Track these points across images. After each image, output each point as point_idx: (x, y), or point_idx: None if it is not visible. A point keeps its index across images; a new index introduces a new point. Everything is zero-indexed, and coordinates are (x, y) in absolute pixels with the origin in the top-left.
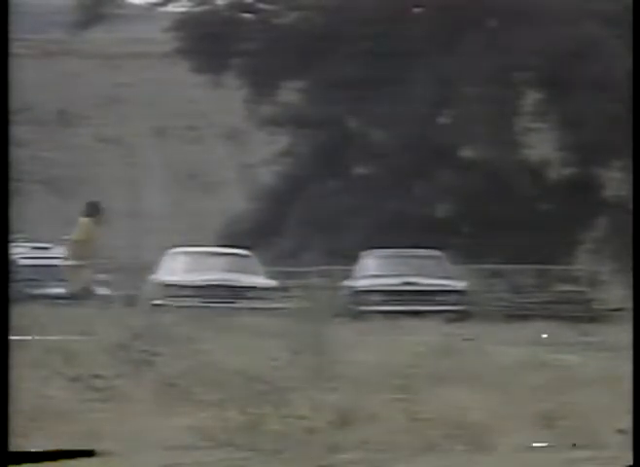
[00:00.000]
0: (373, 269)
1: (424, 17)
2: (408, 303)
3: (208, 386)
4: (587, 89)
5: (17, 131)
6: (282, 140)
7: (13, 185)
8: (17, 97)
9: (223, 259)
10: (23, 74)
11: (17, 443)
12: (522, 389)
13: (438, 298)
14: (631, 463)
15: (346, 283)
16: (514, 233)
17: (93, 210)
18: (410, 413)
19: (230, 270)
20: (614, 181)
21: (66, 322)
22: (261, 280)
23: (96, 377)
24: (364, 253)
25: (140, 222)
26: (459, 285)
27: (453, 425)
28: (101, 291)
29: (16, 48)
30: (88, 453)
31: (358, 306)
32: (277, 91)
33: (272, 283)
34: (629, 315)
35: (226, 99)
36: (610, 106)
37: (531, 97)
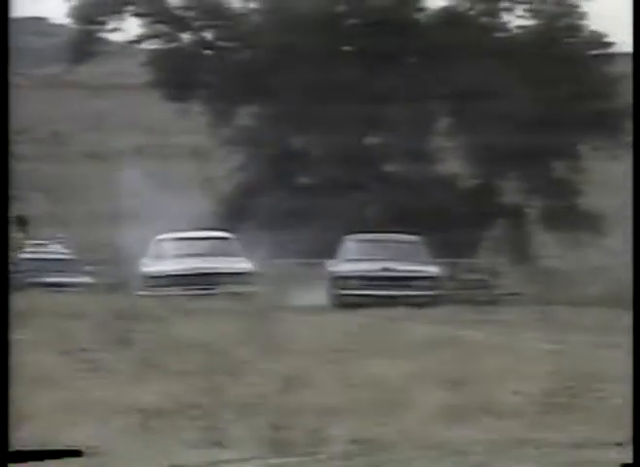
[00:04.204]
0: (353, 254)
1: (356, 55)
2: (384, 287)
3: (177, 359)
4: (489, 115)
5: (19, 149)
6: (238, 157)
7: (15, 193)
8: (19, 121)
9: (205, 243)
10: (25, 102)
11: (20, 407)
12: (436, 358)
13: (413, 283)
14: (631, 461)
15: (328, 267)
16: (430, 233)
17: (20, 222)
18: (344, 379)
19: (212, 254)
20: (510, 190)
21: (60, 306)
22: (241, 264)
23: (84, 350)
24: (346, 237)
25: (120, 222)
26: (432, 271)
27: (378, 389)
28: (89, 280)
29: (19, 80)
30: (76, 453)
31: (339, 290)
32: (234, 116)
33: (250, 266)
34: (521, 298)
35: (191, 123)
36: (508, 129)
37: (444, 121)
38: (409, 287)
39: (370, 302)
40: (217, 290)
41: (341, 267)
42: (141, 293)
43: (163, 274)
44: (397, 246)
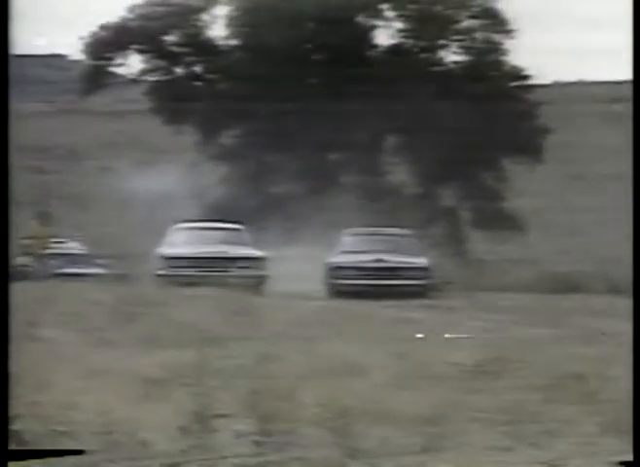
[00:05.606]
0: (349, 246)
1: (320, 85)
2: (377, 277)
3: (172, 335)
4: (430, 134)
5: (42, 164)
6: (222, 170)
7: (38, 200)
8: (41, 141)
9: (218, 232)
10: (48, 124)
11: (42, 373)
12: (385, 337)
13: (404, 273)
14: (631, 459)
15: (327, 259)
16: None
17: (43, 217)
18: (309, 355)
19: (224, 243)
20: (447, 196)
21: (77, 293)
22: (251, 251)
23: (97, 329)
24: (343, 231)
25: (127, 223)
26: (422, 262)
27: (339, 361)
28: (100, 270)
29: (42, 107)
30: (77, 452)
31: (335, 280)
32: (219, 136)
33: (261, 253)
34: (456, 286)
35: (184, 141)
36: (445, 146)
37: (392, 140)
38: (401, 277)
39: (363, 291)
40: (230, 272)
41: (338, 258)
42: (160, 272)
43: (180, 256)
44: (390, 239)
